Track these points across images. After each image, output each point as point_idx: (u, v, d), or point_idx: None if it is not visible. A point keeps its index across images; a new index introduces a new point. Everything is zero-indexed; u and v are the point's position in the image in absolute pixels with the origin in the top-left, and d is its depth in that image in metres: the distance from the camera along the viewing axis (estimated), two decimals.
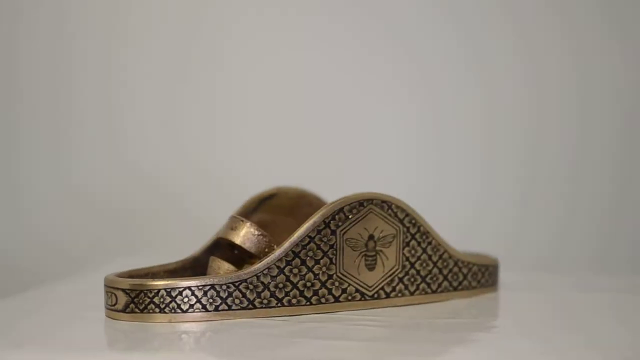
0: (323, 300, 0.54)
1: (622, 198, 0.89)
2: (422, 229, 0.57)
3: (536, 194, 0.90)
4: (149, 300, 0.52)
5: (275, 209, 0.61)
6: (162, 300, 0.52)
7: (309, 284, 0.54)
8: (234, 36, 0.89)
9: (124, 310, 0.52)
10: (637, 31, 0.88)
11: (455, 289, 0.59)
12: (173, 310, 0.52)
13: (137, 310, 0.52)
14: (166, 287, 0.51)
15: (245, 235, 0.55)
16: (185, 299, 0.52)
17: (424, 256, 0.57)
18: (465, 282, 0.59)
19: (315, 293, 0.54)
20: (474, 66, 0.89)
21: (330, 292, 0.55)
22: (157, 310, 0.52)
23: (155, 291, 0.52)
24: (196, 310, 0.52)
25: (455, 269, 0.59)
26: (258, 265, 0.53)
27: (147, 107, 0.87)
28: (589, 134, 0.89)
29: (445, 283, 0.58)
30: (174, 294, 0.52)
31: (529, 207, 0.90)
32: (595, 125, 0.89)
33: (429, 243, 0.58)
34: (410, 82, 0.90)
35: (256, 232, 0.55)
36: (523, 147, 0.90)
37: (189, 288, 0.52)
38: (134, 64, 0.86)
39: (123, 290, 0.52)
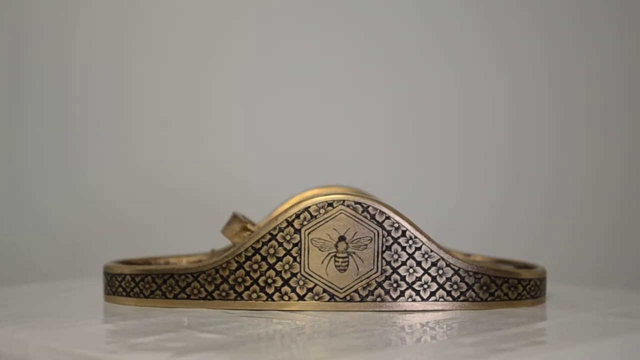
0: (286, 297, 0.55)
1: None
2: (407, 233, 0.54)
3: (519, 194, 0.91)
4: (117, 284, 0.56)
5: None
6: (127, 285, 0.56)
7: (270, 280, 0.55)
8: (240, 39, 0.89)
9: (105, 292, 0.57)
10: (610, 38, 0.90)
11: (455, 299, 0.55)
12: (137, 295, 0.56)
13: (110, 292, 0.57)
14: (131, 273, 0.56)
15: (234, 230, 0.57)
16: (147, 285, 0.55)
17: (411, 262, 0.55)
18: (470, 293, 0.55)
19: (278, 290, 0.55)
20: (456, 66, 0.91)
21: (293, 290, 0.55)
22: (124, 293, 0.56)
23: (122, 276, 0.56)
24: (157, 297, 0.55)
25: (456, 278, 0.55)
26: (217, 259, 0.55)
27: (155, 108, 0.88)
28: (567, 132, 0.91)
29: (441, 292, 0.55)
30: (137, 280, 0.56)
31: (513, 206, 0.91)
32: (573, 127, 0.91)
33: (417, 248, 0.55)
34: (395, 82, 0.91)
35: (243, 228, 0.57)
36: (506, 145, 0.91)
37: (150, 275, 0.55)
38: (143, 64, 0.88)
39: (104, 273, 0.57)
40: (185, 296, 0.55)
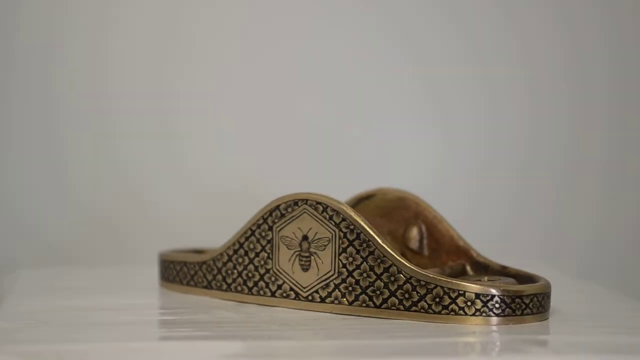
0: (261, 292, 0.56)
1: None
2: (362, 236, 0.53)
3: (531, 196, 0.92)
4: (159, 269, 0.63)
5: (371, 209, 0.61)
6: (161, 269, 0.62)
7: (250, 274, 0.57)
8: (227, 33, 0.86)
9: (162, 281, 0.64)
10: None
11: (407, 309, 0.52)
12: (165, 279, 0.62)
13: (163, 279, 0.63)
14: (164, 260, 0.62)
15: None
16: (170, 271, 0.61)
17: (365, 266, 0.53)
18: (422, 304, 0.51)
19: (255, 284, 0.56)
20: (477, 65, 0.91)
21: (267, 286, 0.56)
22: (161, 277, 0.62)
23: (160, 262, 0.62)
24: (175, 282, 0.61)
25: (407, 287, 0.52)
26: (215, 251, 0.58)
27: (139, 108, 0.86)
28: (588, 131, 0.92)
29: (393, 299, 0.52)
30: (165, 266, 0.61)
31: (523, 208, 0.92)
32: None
33: (371, 253, 0.52)
34: (418, 83, 0.90)
35: None
36: (522, 149, 0.92)
37: (172, 262, 0.61)
38: (125, 62, 0.86)
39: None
40: (193, 283, 0.60)
